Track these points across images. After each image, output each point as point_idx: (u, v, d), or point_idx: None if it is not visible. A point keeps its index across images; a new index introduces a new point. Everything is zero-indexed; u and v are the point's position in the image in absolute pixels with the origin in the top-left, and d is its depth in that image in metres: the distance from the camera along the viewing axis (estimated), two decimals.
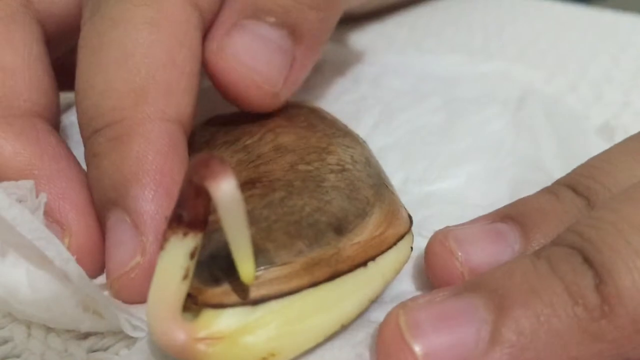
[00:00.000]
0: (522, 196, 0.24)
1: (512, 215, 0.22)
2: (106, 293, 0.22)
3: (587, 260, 0.18)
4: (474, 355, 0.17)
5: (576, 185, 0.23)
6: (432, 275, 0.22)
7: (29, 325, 0.22)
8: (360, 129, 0.27)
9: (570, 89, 0.38)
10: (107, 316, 0.21)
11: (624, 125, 0.33)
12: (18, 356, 0.21)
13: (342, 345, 0.20)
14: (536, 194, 0.23)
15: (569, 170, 0.24)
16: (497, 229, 0.22)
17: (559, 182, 0.24)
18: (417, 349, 0.17)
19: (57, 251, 0.21)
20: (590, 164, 0.23)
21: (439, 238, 0.22)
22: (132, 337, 0.22)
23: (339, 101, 0.30)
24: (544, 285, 0.18)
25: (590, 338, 0.17)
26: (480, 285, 0.19)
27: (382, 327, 0.19)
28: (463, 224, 0.23)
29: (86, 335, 0.22)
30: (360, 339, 0.20)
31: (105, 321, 0.21)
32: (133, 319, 0.21)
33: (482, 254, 0.21)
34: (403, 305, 0.19)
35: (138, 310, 0.21)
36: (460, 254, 0.21)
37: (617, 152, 0.23)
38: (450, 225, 0.23)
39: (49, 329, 0.22)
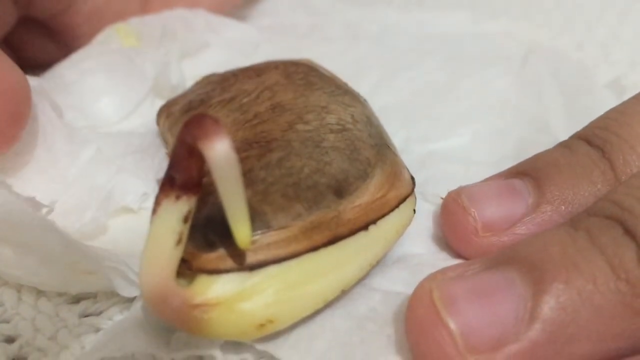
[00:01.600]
0: (527, 154, 0.23)
1: (526, 171, 0.22)
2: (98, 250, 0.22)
3: (628, 232, 0.17)
4: (513, 333, 0.16)
5: (591, 137, 0.22)
6: (447, 232, 0.22)
7: (19, 289, 0.22)
8: (361, 88, 0.26)
9: (576, 48, 0.37)
10: (99, 274, 0.21)
11: (633, 85, 0.32)
12: (8, 321, 0.21)
13: (343, 315, 0.20)
14: (550, 149, 0.23)
15: (574, 128, 0.23)
16: (510, 184, 0.22)
17: (574, 136, 0.23)
18: (453, 325, 0.17)
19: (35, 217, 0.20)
20: (605, 116, 0.23)
21: (453, 196, 0.22)
22: (126, 301, 0.21)
23: (339, 60, 0.29)
24: (584, 258, 0.17)
25: (633, 313, 0.16)
26: (515, 258, 0.18)
27: (413, 302, 0.18)
28: (477, 183, 0.23)
29: (78, 299, 0.22)
30: (362, 310, 0.20)
31: (96, 281, 0.21)
32: (130, 272, 0.21)
33: (494, 208, 0.21)
34: (433, 278, 0.18)
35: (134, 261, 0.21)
36: (473, 209, 0.21)
37: (633, 104, 0.23)
38: (453, 184, 0.23)
39: (39, 293, 0.22)
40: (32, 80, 0.27)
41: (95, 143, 0.25)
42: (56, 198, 0.22)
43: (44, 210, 0.21)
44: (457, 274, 0.18)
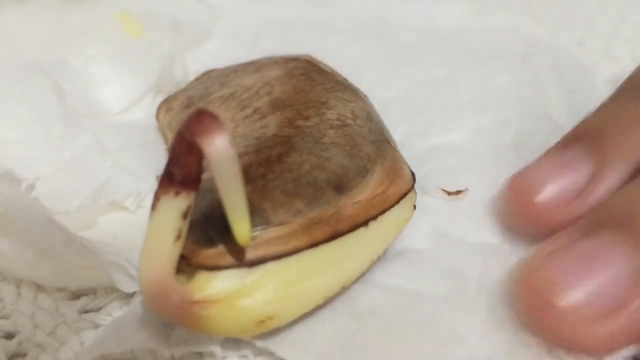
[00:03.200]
0: (529, 145, 0.23)
1: (581, 135, 0.22)
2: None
3: None
4: (623, 298, 0.16)
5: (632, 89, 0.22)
6: (517, 215, 0.22)
7: (18, 284, 0.22)
8: (362, 83, 0.26)
9: (577, 44, 0.37)
10: (98, 268, 0.20)
11: None
12: (7, 317, 0.21)
13: (343, 309, 0.20)
14: (596, 109, 0.23)
15: (577, 121, 0.23)
16: (567, 159, 0.22)
17: (616, 92, 0.23)
18: (567, 300, 0.17)
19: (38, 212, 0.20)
20: None
21: (518, 179, 0.22)
22: (125, 297, 0.21)
23: (340, 54, 0.29)
24: None
25: None
26: (608, 221, 0.18)
27: (521, 287, 0.18)
28: (532, 163, 0.22)
29: (77, 295, 0.22)
30: (362, 304, 0.20)
31: (96, 275, 0.21)
32: (130, 266, 0.21)
33: (556, 187, 0.21)
34: (534, 258, 0.18)
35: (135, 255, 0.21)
36: (540, 186, 0.21)
37: None
38: (454, 177, 0.23)
39: (39, 289, 0.22)
40: (33, 62, 0.27)
41: (94, 132, 0.25)
42: (44, 179, 0.22)
43: (23, 185, 0.21)
44: (554, 250, 0.18)
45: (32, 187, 0.21)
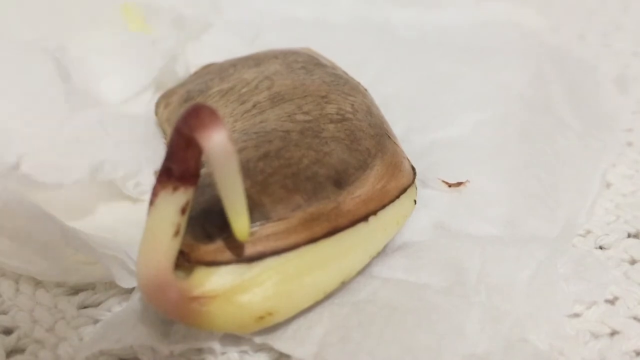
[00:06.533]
0: (531, 136, 0.22)
1: None
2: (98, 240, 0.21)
3: None
4: None
5: None
6: None
7: (17, 279, 0.22)
8: (363, 78, 0.26)
9: (578, 37, 0.37)
10: (99, 263, 0.20)
11: (635, 75, 0.32)
12: (6, 313, 0.21)
13: (342, 302, 0.19)
14: None
15: (580, 114, 0.23)
16: None
17: None
18: None
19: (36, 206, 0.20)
20: None
21: None
22: (124, 293, 0.21)
23: (343, 50, 0.29)
24: None
25: None
26: None
27: None
28: None
29: (76, 291, 0.22)
30: (362, 295, 0.20)
31: (95, 270, 0.21)
32: (129, 261, 0.21)
33: None
34: None
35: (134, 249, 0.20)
36: None
37: None
38: (454, 170, 0.22)
39: (37, 284, 0.22)
40: (42, 41, 0.27)
41: (97, 115, 0.25)
42: (41, 152, 0.22)
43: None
44: None
45: (17, 165, 0.21)
